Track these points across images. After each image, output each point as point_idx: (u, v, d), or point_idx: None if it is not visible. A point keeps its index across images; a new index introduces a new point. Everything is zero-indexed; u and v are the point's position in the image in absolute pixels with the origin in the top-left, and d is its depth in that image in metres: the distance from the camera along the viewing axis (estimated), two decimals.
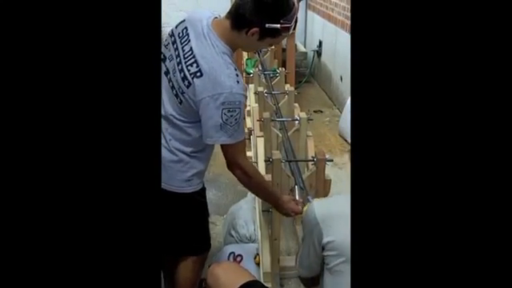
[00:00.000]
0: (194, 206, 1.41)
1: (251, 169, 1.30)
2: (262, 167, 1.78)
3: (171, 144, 1.28)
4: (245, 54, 3.42)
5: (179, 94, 1.22)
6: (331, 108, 3.97)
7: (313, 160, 1.55)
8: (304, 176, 1.54)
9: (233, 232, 2.04)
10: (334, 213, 0.96)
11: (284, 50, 3.62)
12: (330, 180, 1.54)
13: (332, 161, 1.66)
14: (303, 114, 1.84)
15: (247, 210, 2.12)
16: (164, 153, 1.27)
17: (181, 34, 1.26)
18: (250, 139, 2.74)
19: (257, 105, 2.24)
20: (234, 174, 1.28)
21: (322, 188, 1.51)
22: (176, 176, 1.29)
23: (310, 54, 4.81)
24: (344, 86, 3.72)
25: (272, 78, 2.58)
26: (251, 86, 2.72)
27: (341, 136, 3.25)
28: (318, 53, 4.67)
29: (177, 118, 1.25)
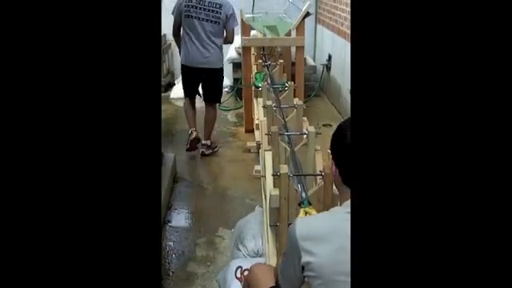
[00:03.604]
0: (221, 74, 3.29)
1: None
2: (269, 181, 1.78)
3: (212, 46, 3.12)
4: (254, 68, 3.44)
5: (215, 20, 3.07)
6: (341, 122, 3.95)
7: (321, 174, 1.54)
8: (312, 191, 1.53)
9: (240, 246, 2.03)
10: (314, 233, 0.94)
11: (293, 64, 3.63)
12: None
13: None
14: (311, 128, 1.83)
15: (255, 224, 2.11)
16: (211, 51, 3.12)
17: (192, 3, 3.06)
18: (258, 152, 2.74)
19: (265, 118, 2.24)
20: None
21: (330, 203, 1.49)
22: (217, 60, 3.18)
23: (320, 68, 4.82)
24: None
25: (281, 91, 2.59)
26: (260, 99, 2.73)
27: None
28: (328, 66, 4.68)
29: (213, 33, 3.10)
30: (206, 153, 3.28)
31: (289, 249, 0.99)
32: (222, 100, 3.55)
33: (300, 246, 0.93)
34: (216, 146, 3.39)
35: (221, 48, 3.18)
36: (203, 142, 3.27)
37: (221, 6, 3.03)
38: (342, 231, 0.89)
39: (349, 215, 0.90)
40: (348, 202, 0.96)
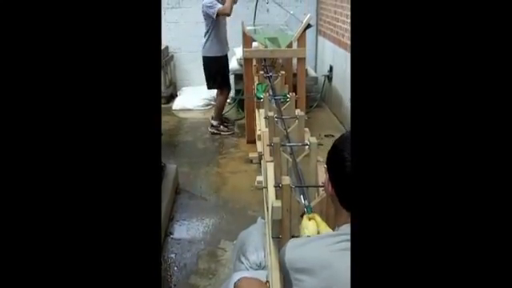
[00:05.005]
0: (224, 61, 4.07)
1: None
2: (272, 192, 1.77)
3: (205, 35, 3.92)
4: (255, 80, 3.46)
5: (203, 13, 3.86)
6: (342, 132, 3.96)
7: (323, 186, 1.53)
8: (314, 202, 1.52)
9: (242, 258, 2.01)
10: (302, 265, 0.91)
11: (294, 75, 3.65)
12: None
13: None
14: (313, 139, 1.83)
15: (257, 236, 2.09)
16: (203, 40, 3.92)
17: None
18: (260, 163, 2.73)
19: (267, 129, 2.24)
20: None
21: (332, 214, 1.48)
22: (205, 48, 3.94)
23: (321, 79, 4.84)
24: None
25: (282, 102, 2.59)
26: (261, 110, 2.73)
27: None
28: (329, 77, 4.70)
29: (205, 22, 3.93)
30: (210, 130, 4.17)
31: (284, 276, 0.98)
32: (221, 113, 4.27)
33: (291, 275, 0.91)
34: (221, 129, 4.17)
35: (208, 37, 3.91)
36: (211, 121, 4.20)
37: (203, 5, 3.89)
38: (329, 264, 0.87)
39: (338, 245, 0.88)
40: (343, 227, 0.93)
